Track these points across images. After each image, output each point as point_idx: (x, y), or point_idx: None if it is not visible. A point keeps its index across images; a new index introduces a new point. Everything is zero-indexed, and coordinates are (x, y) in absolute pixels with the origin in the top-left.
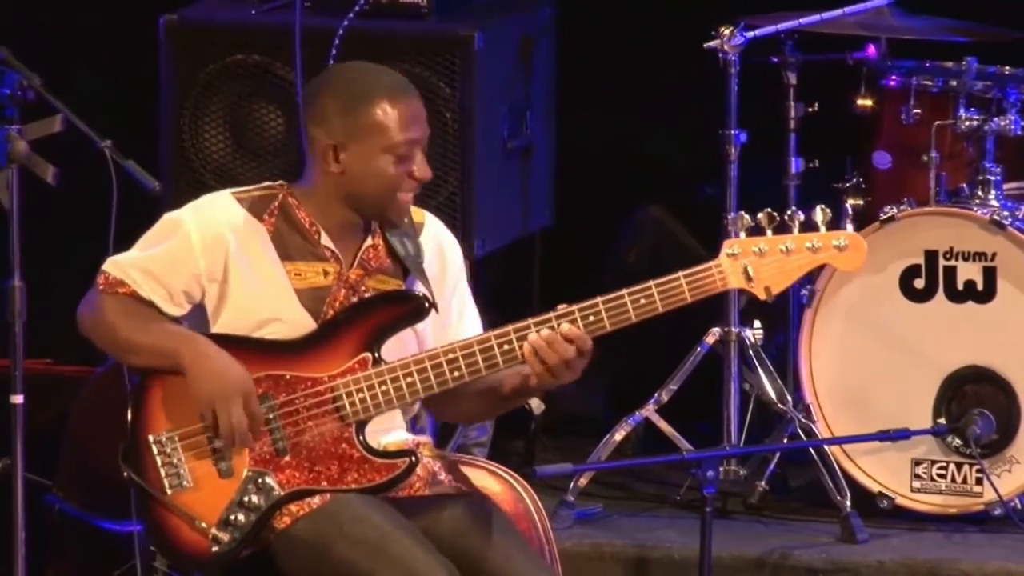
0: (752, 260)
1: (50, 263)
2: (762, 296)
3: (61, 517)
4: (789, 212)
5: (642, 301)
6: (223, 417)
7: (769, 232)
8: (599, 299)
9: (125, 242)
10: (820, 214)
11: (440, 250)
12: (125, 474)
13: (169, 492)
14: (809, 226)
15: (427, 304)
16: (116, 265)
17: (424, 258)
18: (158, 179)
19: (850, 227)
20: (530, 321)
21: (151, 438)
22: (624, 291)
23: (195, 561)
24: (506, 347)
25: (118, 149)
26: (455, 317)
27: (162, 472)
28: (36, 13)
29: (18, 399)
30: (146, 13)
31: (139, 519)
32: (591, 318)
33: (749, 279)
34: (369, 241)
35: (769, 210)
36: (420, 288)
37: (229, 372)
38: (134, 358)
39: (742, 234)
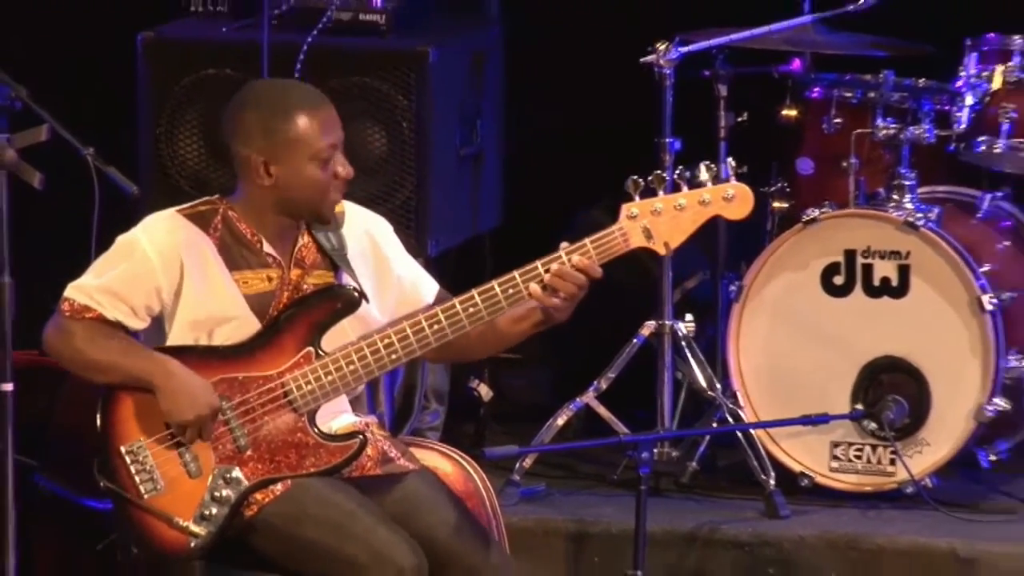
0: (650, 220)
1: (36, 262)
2: (662, 251)
3: (47, 495)
4: (678, 172)
5: (553, 266)
6: (192, 434)
7: (661, 192)
8: (515, 271)
9: (105, 242)
10: (705, 171)
11: (369, 234)
12: (102, 484)
13: (145, 496)
14: (696, 183)
15: (357, 295)
16: (80, 290)
17: (349, 247)
18: (136, 184)
19: (734, 178)
20: (457, 300)
21: (123, 448)
22: (538, 262)
23: (176, 557)
24: (434, 329)
25: (99, 156)
26: (409, 286)
27: (136, 479)
28: (21, 27)
29: (7, 387)
30: (124, 30)
31: (119, 524)
32: (509, 291)
33: (649, 237)
34: (301, 241)
35: (658, 171)
36: (349, 280)
37: (198, 393)
38: (102, 377)
39: (637, 197)
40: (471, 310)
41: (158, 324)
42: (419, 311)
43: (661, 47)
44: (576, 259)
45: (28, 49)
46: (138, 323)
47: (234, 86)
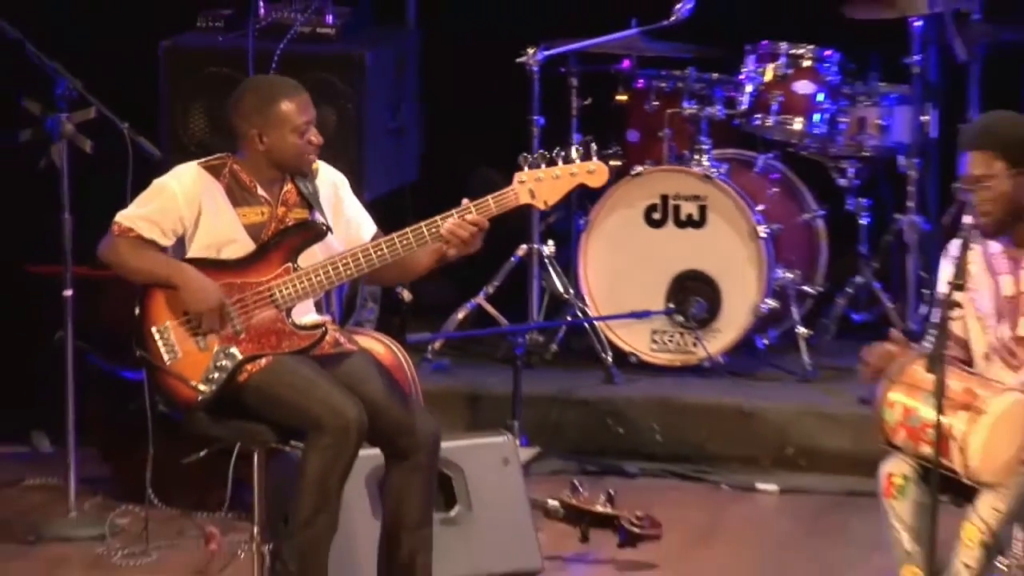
0: (534, 184)
1: (87, 203)
2: (542, 207)
3: (97, 370)
4: (556, 151)
5: (467, 217)
6: (206, 320)
7: (543, 165)
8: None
9: (135, 190)
10: (575, 152)
11: (334, 184)
12: (138, 354)
13: (168, 363)
14: (569, 160)
15: (325, 228)
16: (126, 217)
17: (321, 193)
18: (159, 149)
19: (596, 157)
20: (395, 235)
21: (154, 329)
22: (453, 211)
23: (188, 407)
24: (378, 253)
25: (133, 129)
26: (354, 227)
27: (162, 351)
28: (76, 38)
29: (68, 292)
30: (150, 40)
31: (149, 386)
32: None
33: (533, 197)
34: (286, 187)
35: (542, 151)
36: (319, 218)
37: (209, 289)
38: (139, 278)
39: (526, 168)
40: (404, 241)
41: (181, 243)
42: (368, 242)
43: (531, 51)
44: (474, 214)
45: (81, 52)
46: (167, 242)
47: (229, 80)
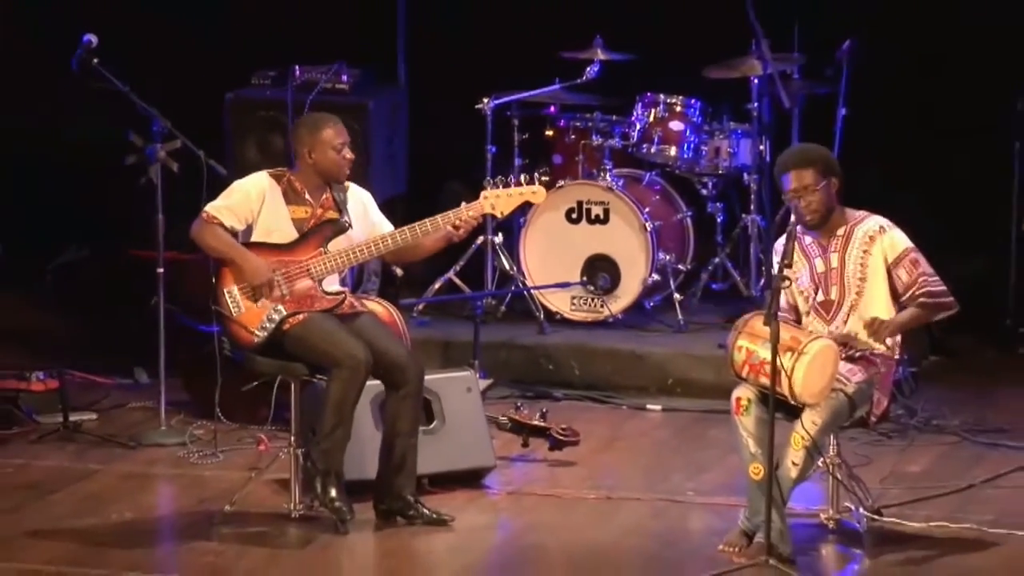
0: (495, 200)
1: (174, 208)
2: (499, 215)
3: (182, 326)
4: (511, 177)
5: (449, 216)
6: (259, 289)
7: (501, 187)
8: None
9: (208, 198)
10: (523, 178)
11: (362, 201)
12: (214, 308)
13: (235, 315)
14: (519, 184)
15: (348, 225)
16: (212, 207)
17: (350, 204)
18: (226, 169)
19: (538, 184)
20: (406, 227)
21: (226, 290)
22: (438, 216)
23: (248, 347)
24: (383, 244)
25: (206, 155)
26: (375, 228)
27: (231, 305)
28: (167, 91)
29: (160, 270)
30: (219, 92)
31: (219, 331)
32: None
33: (494, 208)
34: (325, 195)
35: (500, 176)
36: (346, 218)
37: (261, 269)
38: (216, 255)
39: (490, 188)
40: (406, 235)
41: (248, 229)
42: (380, 235)
43: (485, 100)
44: (455, 217)
45: (169, 100)
46: (240, 227)
47: (274, 121)
